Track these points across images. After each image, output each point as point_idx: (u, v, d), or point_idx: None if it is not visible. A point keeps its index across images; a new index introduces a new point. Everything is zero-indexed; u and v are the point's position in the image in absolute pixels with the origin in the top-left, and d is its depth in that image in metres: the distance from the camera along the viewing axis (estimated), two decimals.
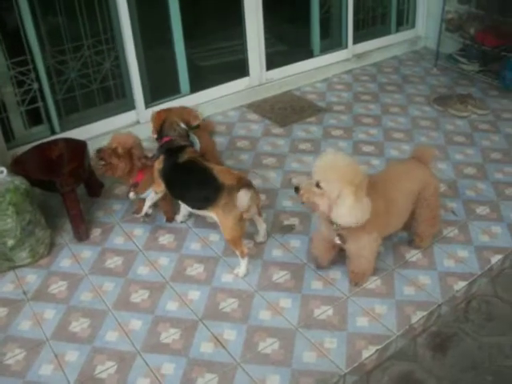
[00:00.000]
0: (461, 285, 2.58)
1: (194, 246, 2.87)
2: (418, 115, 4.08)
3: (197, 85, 4.12)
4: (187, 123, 2.80)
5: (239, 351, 2.29)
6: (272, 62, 4.41)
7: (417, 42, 5.26)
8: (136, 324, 2.43)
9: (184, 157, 2.67)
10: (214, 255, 2.81)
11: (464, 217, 3.01)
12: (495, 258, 2.72)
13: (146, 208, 2.93)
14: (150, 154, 2.94)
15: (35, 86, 3.45)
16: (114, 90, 3.84)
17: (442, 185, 3.18)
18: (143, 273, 2.72)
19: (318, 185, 2.24)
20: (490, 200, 3.13)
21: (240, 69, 4.29)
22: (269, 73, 4.41)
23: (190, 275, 2.69)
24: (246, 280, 2.64)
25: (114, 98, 3.87)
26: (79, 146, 3.05)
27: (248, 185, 2.52)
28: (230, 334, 2.37)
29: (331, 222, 2.36)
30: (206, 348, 2.31)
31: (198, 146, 3.02)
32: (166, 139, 2.74)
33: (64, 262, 2.80)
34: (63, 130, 3.58)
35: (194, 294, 2.57)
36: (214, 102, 4.17)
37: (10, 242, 2.66)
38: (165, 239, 2.93)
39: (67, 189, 2.80)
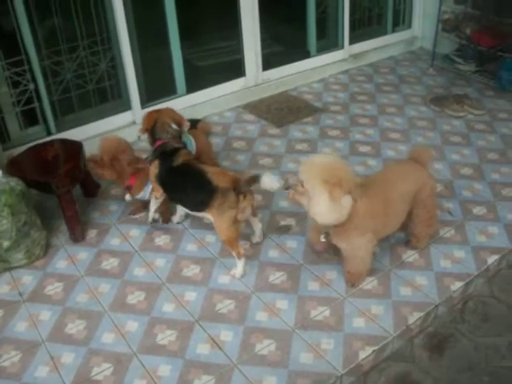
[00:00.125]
0: (457, 285, 2.58)
1: (191, 247, 2.87)
2: (414, 115, 4.08)
3: (193, 85, 4.11)
4: (178, 124, 2.79)
5: (236, 352, 2.28)
6: (268, 63, 4.40)
7: (413, 42, 5.26)
8: (132, 325, 2.43)
9: (178, 160, 2.66)
10: (211, 256, 2.80)
11: (461, 217, 3.01)
12: (492, 259, 2.72)
13: (151, 214, 2.93)
14: (144, 156, 2.94)
15: (31, 86, 3.44)
16: (110, 90, 3.83)
17: (439, 185, 3.18)
18: (139, 274, 2.71)
19: (302, 184, 2.29)
20: (486, 200, 3.13)
21: (236, 69, 4.29)
22: (265, 73, 4.40)
23: (187, 276, 2.68)
24: (242, 281, 2.64)
25: (110, 98, 3.86)
26: (75, 147, 3.04)
27: (244, 185, 2.51)
28: (227, 335, 2.36)
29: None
30: (202, 349, 2.30)
31: (194, 146, 3.02)
32: (159, 143, 2.73)
33: (60, 264, 2.79)
34: (59, 130, 3.57)
35: (191, 295, 2.57)
36: (210, 103, 4.16)
37: (6, 244, 2.65)
38: (161, 240, 2.93)
39: (63, 190, 2.79)
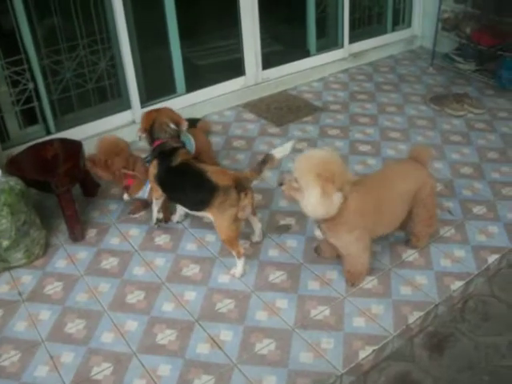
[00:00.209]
0: (457, 285, 2.58)
1: (190, 247, 2.86)
2: (414, 114, 4.08)
3: (193, 84, 4.10)
4: (177, 123, 2.78)
5: (236, 352, 2.28)
6: (268, 62, 4.40)
7: (413, 41, 5.26)
8: (132, 325, 2.42)
9: (177, 160, 2.65)
10: (211, 256, 2.80)
11: (461, 216, 3.00)
12: (492, 258, 2.72)
13: (154, 215, 2.93)
14: (143, 155, 2.94)
15: (30, 85, 3.44)
16: (110, 89, 3.83)
17: (439, 184, 3.18)
18: (139, 273, 2.71)
19: (296, 180, 2.30)
20: (486, 199, 3.13)
21: (236, 68, 4.29)
22: (265, 72, 4.40)
23: (186, 276, 2.68)
24: (242, 280, 2.64)
25: (110, 97, 3.85)
26: (74, 146, 3.04)
27: (244, 183, 2.51)
28: (227, 334, 2.36)
29: None
30: (202, 349, 2.30)
31: (193, 146, 3.02)
32: (157, 142, 2.72)
33: (59, 263, 2.79)
34: (58, 130, 3.57)
35: (190, 295, 2.57)
36: (209, 102, 4.15)
37: (5, 243, 2.65)
38: (161, 239, 2.92)
39: (62, 189, 2.79)
